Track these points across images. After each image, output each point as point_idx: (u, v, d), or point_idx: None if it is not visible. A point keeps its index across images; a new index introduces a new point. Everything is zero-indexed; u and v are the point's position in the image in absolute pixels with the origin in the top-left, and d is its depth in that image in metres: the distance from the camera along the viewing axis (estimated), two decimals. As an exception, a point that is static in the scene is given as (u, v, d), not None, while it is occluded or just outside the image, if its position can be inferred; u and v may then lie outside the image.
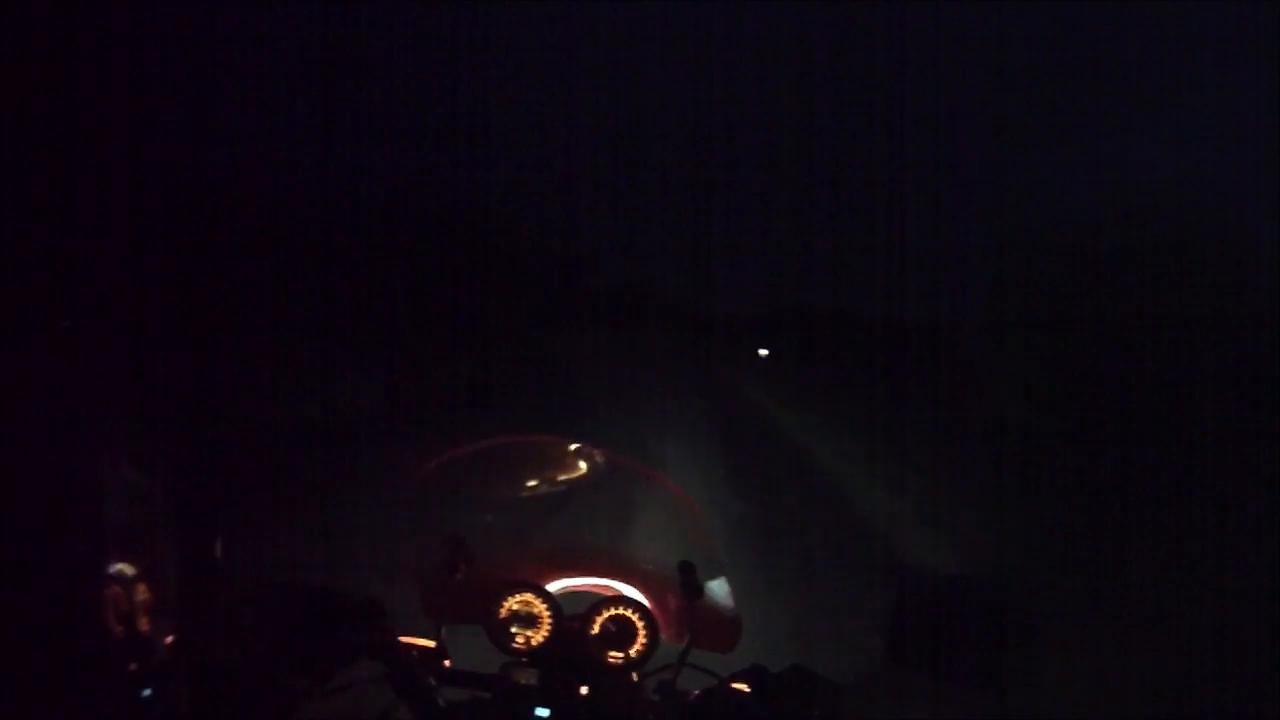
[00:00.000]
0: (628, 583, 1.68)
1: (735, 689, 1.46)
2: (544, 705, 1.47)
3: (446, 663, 1.54)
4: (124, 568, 1.01)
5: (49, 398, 0.96)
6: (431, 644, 1.53)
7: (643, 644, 1.58)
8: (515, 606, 1.61)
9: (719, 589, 1.61)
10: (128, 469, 1.03)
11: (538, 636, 1.59)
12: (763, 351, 46.62)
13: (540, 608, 1.61)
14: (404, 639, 1.49)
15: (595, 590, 1.69)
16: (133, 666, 1.01)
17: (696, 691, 1.49)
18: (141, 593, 1.02)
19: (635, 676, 1.57)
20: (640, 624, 1.59)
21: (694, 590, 1.55)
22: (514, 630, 1.60)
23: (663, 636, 1.60)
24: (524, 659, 1.58)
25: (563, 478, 1.71)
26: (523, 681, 1.53)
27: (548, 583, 1.66)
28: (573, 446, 1.71)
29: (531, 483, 1.72)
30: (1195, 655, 4.97)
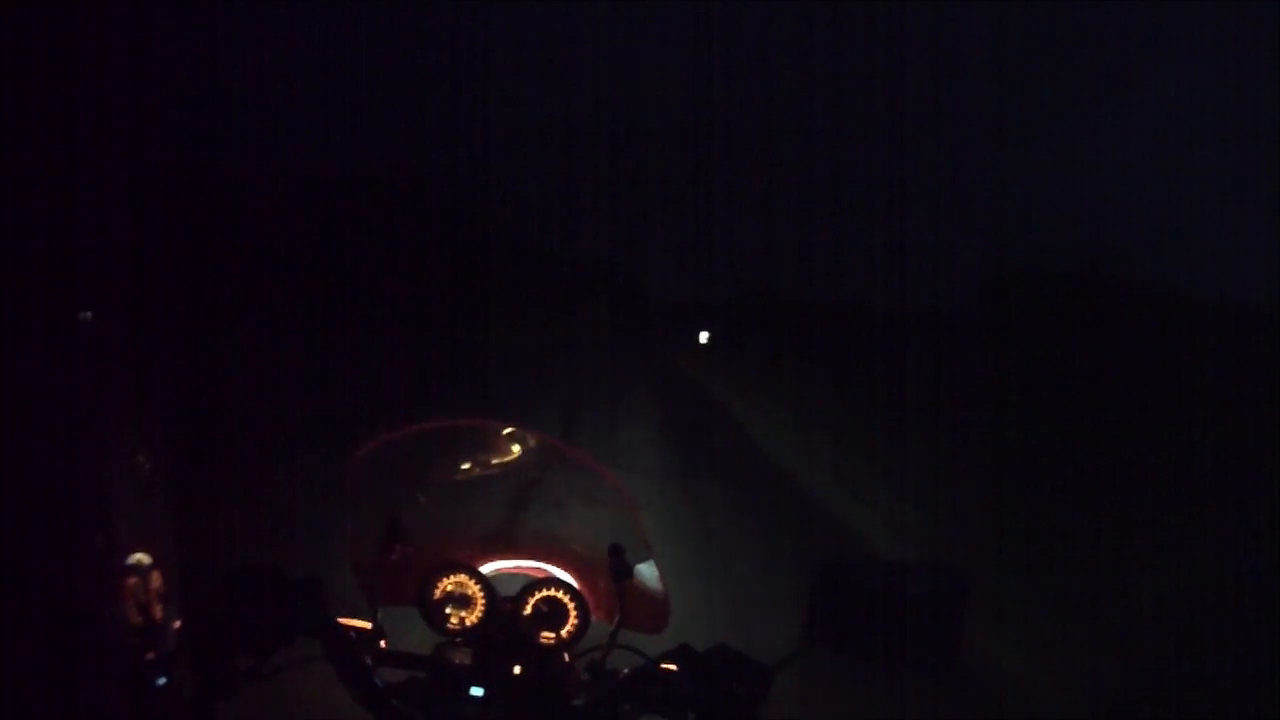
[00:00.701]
0: (559, 565, 1.73)
1: (663, 668, 1.51)
2: (478, 684, 1.51)
3: (382, 643, 1.55)
4: (141, 557, 1.01)
5: (55, 388, 0.95)
6: (367, 625, 1.55)
7: (574, 625, 1.64)
8: (449, 587, 1.64)
9: (648, 571, 1.66)
10: (135, 455, 1.02)
11: (472, 617, 1.63)
12: (703, 336, 46.39)
13: (474, 589, 1.64)
14: (341, 620, 1.50)
15: (527, 572, 1.73)
16: (150, 655, 1.02)
17: (626, 670, 1.53)
18: (155, 580, 1.03)
19: (567, 656, 1.62)
20: (571, 605, 1.64)
21: (623, 572, 1.61)
22: (448, 611, 1.63)
23: (594, 618, 1.66)
24: (458, 639, 1.62)
25: (496, 461, 1.73)
26: (457, 661, 1.56)
27: (481, 564, 1.70)
28: (506, 430, 1.73)
29: (465, 465, 1.74)
30: (1194, 655, 5.06)
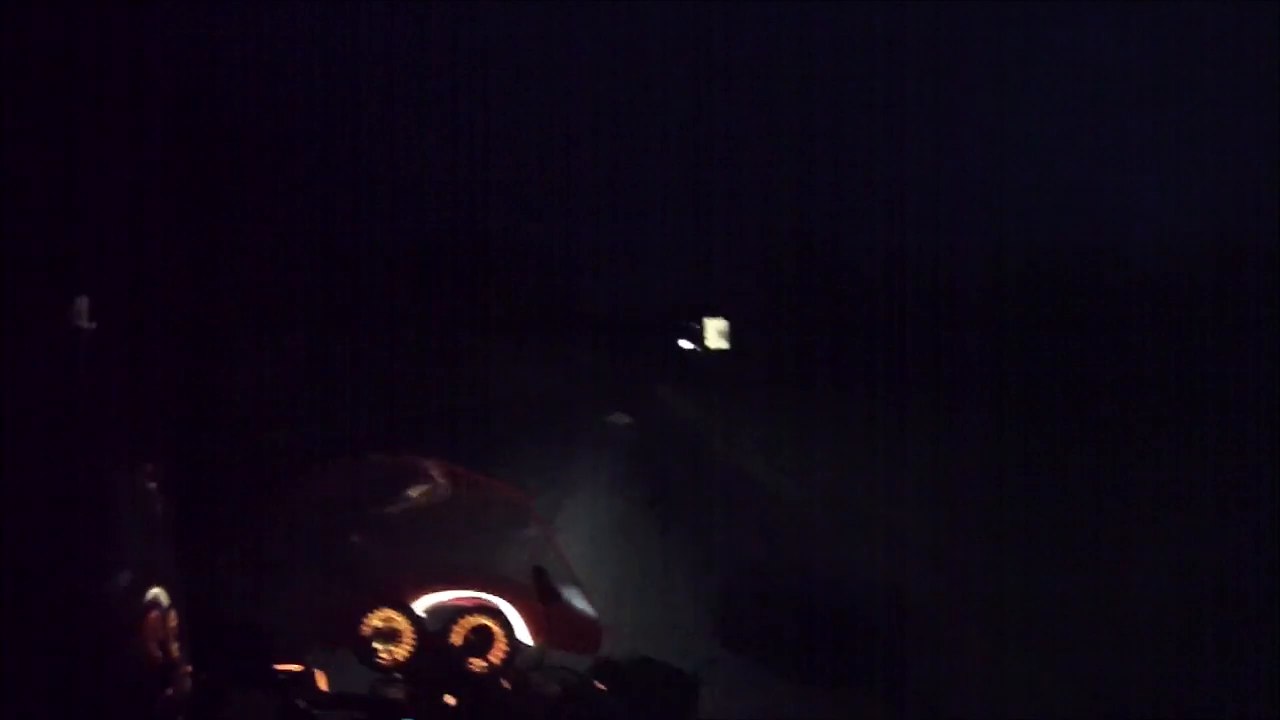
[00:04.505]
0: (493, 593, 1.75)
1: (593, 686, 1.56)
2: (412, 719, 1.52)
3: (322, 685, 1.51)
4: (159, 593, 1.01)
5: (68, 421, 0.93)
6: (299, 667, 1.50)
7: (504, 650, 1.65)
8: (378, 623, 1.63)
9: (574, 593, 1.71)
10: (151, 491, 1.02)
11: (402, 651, 1.62)
12: (714, 330, 45.16)
13: (402, 623, 1.64)
14: (275, 665, 1.47)
15: (461, 604, 1.74)
16: (169, 692, 1.01)
17: (558, 689, 1.58)
18: (172, 619, 1.02)
19: (503, 683, 1.63)
20: (499, 631, 1.66)
21: (548, 594, 1.65)
22: (378, 646, 1.62)
23: (533, 643, 1.69)
24: (394, 675, 1.61)
25: (418, 494, 1.75)
26: (391, 697, 1.57)
27: (416, 599, 1.70)
28: (430, 465, 1.75)
29: (393, 501, 1.75)
30: (1193, 656, 4.92)
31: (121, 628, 0.95)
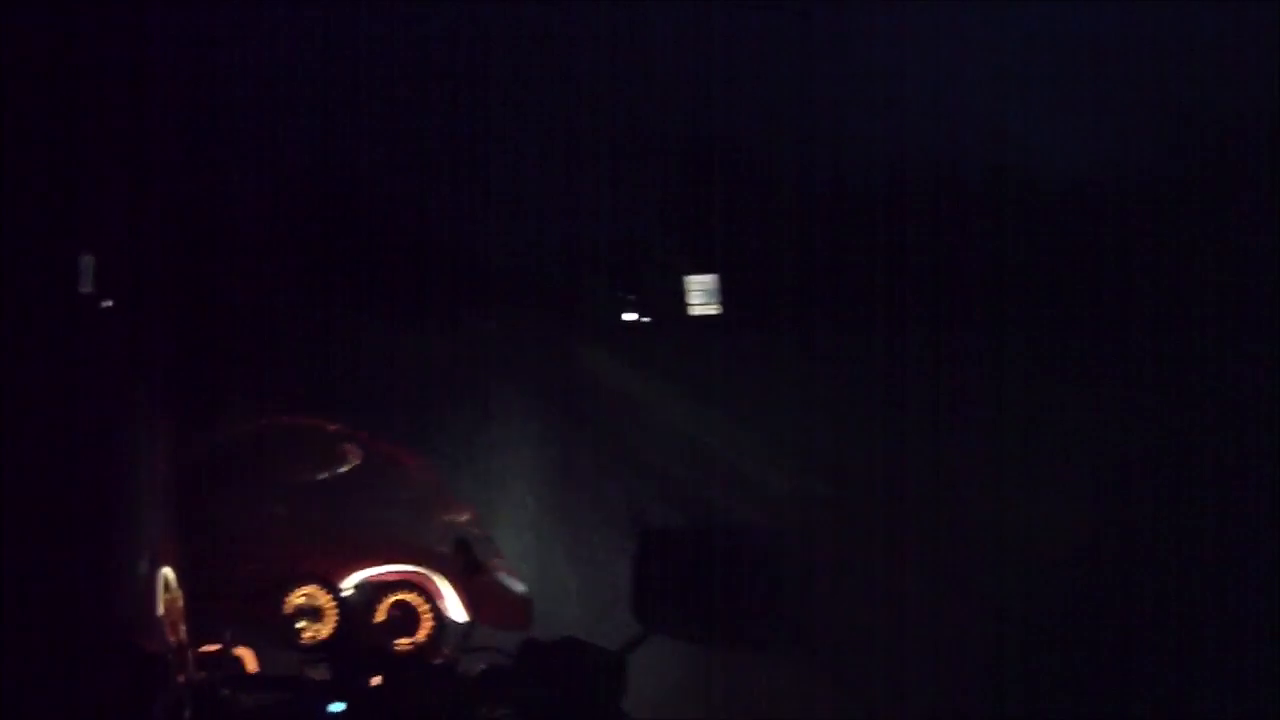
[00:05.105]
0: (418, 566, 1.70)
1: (519, 667, 1.58)
2: (337, 700, 1.48)
3: (248, 665, 1.49)
4: (169, 575, 1.02)
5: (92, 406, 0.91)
6: (216, 648, 1.43)
7: (429, 629, 1.66)
8: (299, 600, 1.58)
9: (501, 567, 1.72)
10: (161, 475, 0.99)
11: (325, 630, 1.59)
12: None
13: (325, 600, 1.59)
14: (202, 648, 1.39)
15: (386, 579, 1.70)
16: (181, 679, 1.03)
17: (482, 668, 1.60)
18: (180, 599, 1.06)
19: (437, 660, 1.64)
20: (424, 608, 1.65)
21: (473, 567, 1.65)
22: (300, 626, 1.58)
23: (460, 618, 1.69)
24: (316, 654, 1.59)
25: (335, 463, 1.70)
26: (315, 678, 1.54)
27: (339, 576, 1.64)
28: (334, 429, 1.71)
29: (310, 470, 1.69)
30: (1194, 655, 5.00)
31: (141, 609, 0.95)
